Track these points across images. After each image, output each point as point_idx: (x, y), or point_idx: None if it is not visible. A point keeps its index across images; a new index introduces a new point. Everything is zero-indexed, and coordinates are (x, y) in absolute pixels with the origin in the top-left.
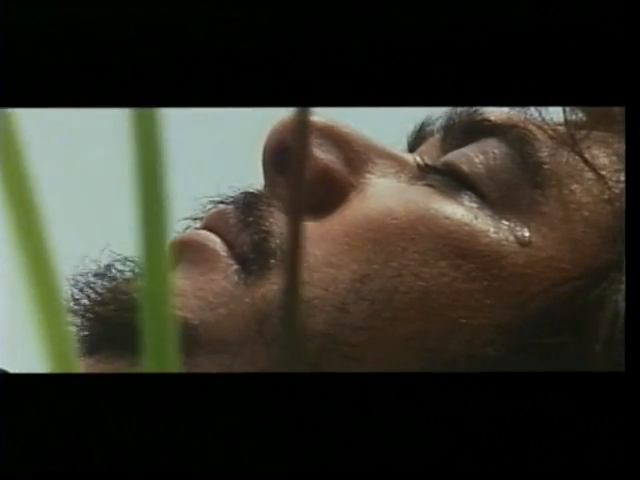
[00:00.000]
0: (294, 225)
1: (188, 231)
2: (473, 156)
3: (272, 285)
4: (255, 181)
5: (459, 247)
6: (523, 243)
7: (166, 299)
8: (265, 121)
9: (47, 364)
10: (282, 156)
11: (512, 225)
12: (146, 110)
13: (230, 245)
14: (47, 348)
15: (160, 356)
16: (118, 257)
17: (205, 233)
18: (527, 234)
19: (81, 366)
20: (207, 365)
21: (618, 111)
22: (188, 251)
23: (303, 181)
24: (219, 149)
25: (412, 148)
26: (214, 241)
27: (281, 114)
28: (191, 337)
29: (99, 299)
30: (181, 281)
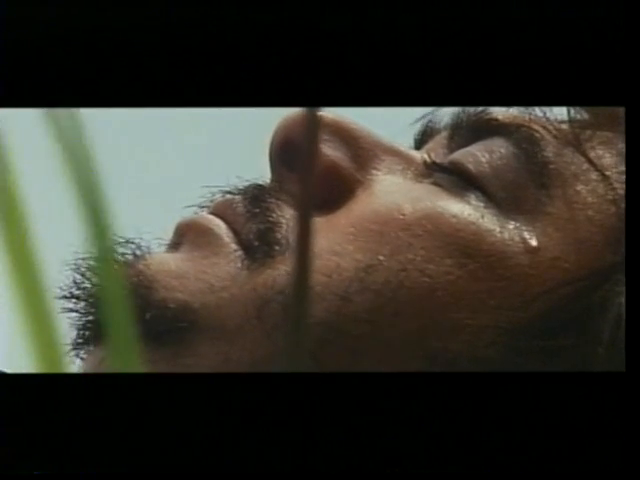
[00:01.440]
0: (303, 221)
1: (193, 215)
2: (480, 155)
3: (274, 272)
4: (263, 174)
5: (465, 246)
6: (530, 250)
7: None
8: (276, 116)
9: (35, 364)
10: (289, 151)
11: (518, 226)
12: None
13: (235, 232)
14: (35, 348)
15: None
16: (119, 240)
17: (211, 217)
18: (534, 243)
19: (84, 352)
20: (206, 351)
21: (622, 111)
22: (192, 233)
23: (312, 177)
24: (229, 143)
25: (419, 145)
26: (219, 226)
27: (289, 111)
28: (191, 322)
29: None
30: (183, 263)
